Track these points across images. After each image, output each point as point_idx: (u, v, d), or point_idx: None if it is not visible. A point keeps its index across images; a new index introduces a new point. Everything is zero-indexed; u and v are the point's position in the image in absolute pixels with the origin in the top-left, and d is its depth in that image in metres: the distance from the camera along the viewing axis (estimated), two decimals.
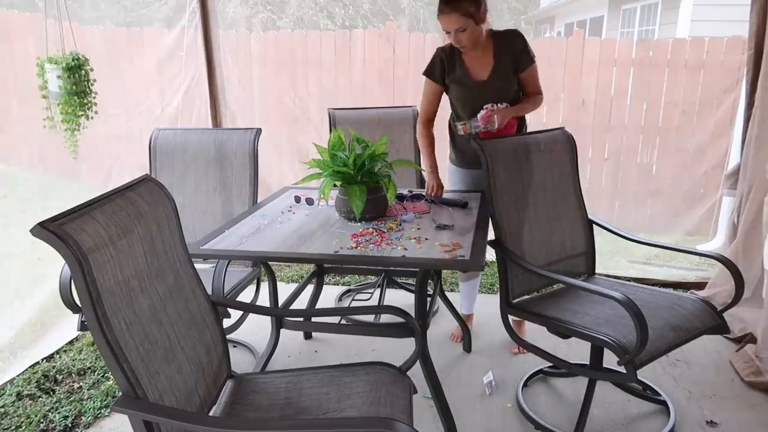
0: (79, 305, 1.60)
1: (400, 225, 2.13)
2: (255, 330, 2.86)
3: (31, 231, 1.14)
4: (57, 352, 2.74)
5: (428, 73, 2.51)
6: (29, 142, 4.08)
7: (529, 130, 2.55)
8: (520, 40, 2.37)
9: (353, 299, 3.31)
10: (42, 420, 2.25)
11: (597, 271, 2.45)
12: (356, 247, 1.88)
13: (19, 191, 3.18)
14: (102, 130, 3.80)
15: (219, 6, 3.69)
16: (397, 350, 2.58)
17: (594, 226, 2.43)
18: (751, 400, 2.34)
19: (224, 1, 3.78)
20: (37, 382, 2.48)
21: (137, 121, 3.94)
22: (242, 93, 3.89)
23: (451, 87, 2.50)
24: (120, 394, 1.27)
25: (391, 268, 2.94)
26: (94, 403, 2.35)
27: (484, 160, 2.09)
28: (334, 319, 2.56)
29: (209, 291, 1.70)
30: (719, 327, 2.05)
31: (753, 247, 2.89)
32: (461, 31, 2.25)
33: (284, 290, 2.65)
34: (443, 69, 2.47)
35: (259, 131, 2.68)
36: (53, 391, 2.45)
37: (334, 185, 2.15)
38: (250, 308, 1.87)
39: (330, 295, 3.27)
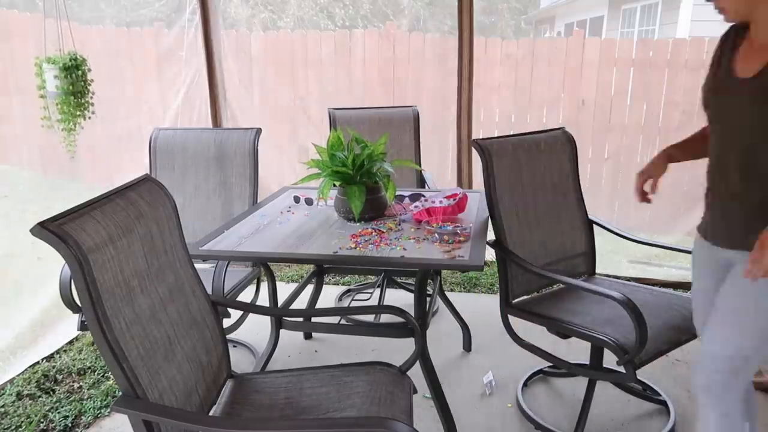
0: (79, 305, 1.60)
1: (399, 225, 2.13)
2: (255, 330, 2.86)
3: (31, 231, 1.14)
4: (57, 351, 2.74)
5: None
6: (29, 142, 4.08)
7: (528, 130, 2.55)
8: None
9: (353, 299, 3.31)
10: (42, 420, 2.25)
11: (597, 271, 2.45)
12: (355, 248, 1.88)
13: (19, 191, 3.18)
14: (102, 130, 3.81)
15: (219, 6, 3.70)
16: (397, 350, 2.58)
17: (594, 226, 2.44)
18: None
19: (224, 1, 3.78)
20: (37, 381, 2.48)
21: (137, 120, 3.94)
22: (242, 93, 3.89)
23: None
24: (120, 393, 1.27)
25: (391, 268, 2.94)
26: (94, 402, 2.35)
27: (484, 160, 2.10)
28: (334, 319, 2.57)
29: (209, 291, 1.70)
30: None
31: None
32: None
33: (284, 290, 2.66)
34: (714, 63, 1.69)
35: (259, 131, 2.68)
36: (53, 390, 2.45)
37: (333, 185, 2.15)
38: (250, 308, 1.87)
39: (330, 295, 3.27)
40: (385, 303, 2.92)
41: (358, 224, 2.16)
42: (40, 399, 2.39)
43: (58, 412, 2.30)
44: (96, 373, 2.57)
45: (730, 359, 1.45)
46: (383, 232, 2.04)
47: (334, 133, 2.22)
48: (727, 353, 1.45)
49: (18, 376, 2.54)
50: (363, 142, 2.18)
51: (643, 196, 1.86)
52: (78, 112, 2.75)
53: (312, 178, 2.20)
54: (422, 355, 2.02)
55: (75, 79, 2.69)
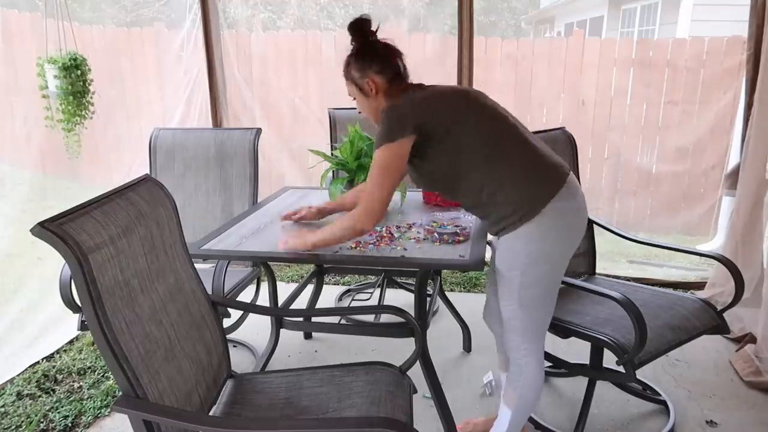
0: (79, 305, 1.60)
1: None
2: (255, 330, 2.86)
3: (31, 231, 1.14)
4: (57, 351, 2.74)
5: None
6: (29, 141, 4.08)
7: (529, 129, 2.54)
8: (381, 120, 1.69)
9: (353, 299, 3.31)
10: (42, 420, 2.25)
11: (597, 271, 2.45)
12: (355, 247, 1.88)
13: (19, 191, 3.18)
14: (102, 130, 3.80)
15: (219, 6, 3.70)
16: (397, 350, 2.58)
17: (594, 225, 2.44)
18: (751, 400, 2.35)
19: (224, 1, 3.78)
20: (37, 381, 2.49)
21: (138, 120, 3.94)
22: (242, 93, 3.89)
23: None
24: (120, 393, 1.27)
25: (391, 268, 2.94)
26: (94, 402, 2.35)
27: None
28: (334, 319, 2.57)
29: (209, 291, 1.70)
30: (719, 327, 2.05)
31: (752, 246, 2.89)
32: (353, 98, 1.84)
33: (284, 290, 2.66)
34: None
35: (259, 131, 2.68)
36: (53, 390, 2.45)
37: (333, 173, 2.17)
38: (250, 308, 1.87)
39: (330, 295, 3.27)
40: (385, 303, 2.92)
41: None
42: (40, 399, 2.39)
43: (58, 412, 2.30)
44: (96, 373, 2.57)
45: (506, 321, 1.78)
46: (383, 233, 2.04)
47: (353, 128, 2.21)
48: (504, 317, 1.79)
49: (18, 376, 2.54)
50: (368, 139, 2.18)
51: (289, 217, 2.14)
52: (79, 112, 2.75)
53: (334, 165, 2.21)
54: (422, 355, 2.02)
55: (75, 78, 2.69)
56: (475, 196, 1.69)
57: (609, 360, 1.98)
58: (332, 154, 2.34)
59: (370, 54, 1.74)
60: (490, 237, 1.99)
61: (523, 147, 1.69)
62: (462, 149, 1.65)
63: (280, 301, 2.51)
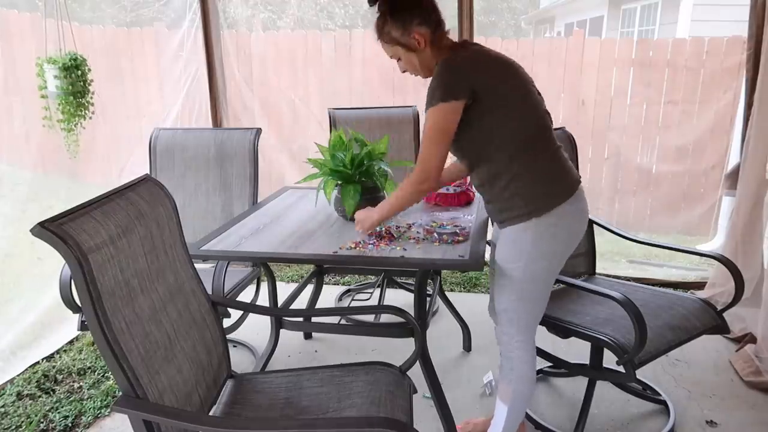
0: (79, 305, 1.60)
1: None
2: (255, 330, 2.86)
3: (31, 231, 1.14)
4: (57, 351, 2.74)
5: None
6: (29, 142, 4.08)
7: None
8: (435, 77, 1.65)
9: (353, 299, 3.31)
10: (42, 420, 2.25)
11: (597, 271, 2.45)
12: (355, 248, 1.88)
13: (19, 191, 3.18)
14: (102, 130, 3.81)
15: (219, 6, 3.70)
16: (397, 350, 2.58)
17: (594, 225, 2.44)
18: (751, 400, 2.35)
19: (224, 1, 3.78)
20: (37, 381, 2.49)
21: (138, 120, 3.94)
22: (242, 93, 3.89)
23: None
24: (120, 393, 1.27)
25: (391, 268, 2.93)
26: (94, 402, 2.35)
27: None
28: (334, 319, 2.57)
29: (209, 291, 1.70)
30: (719, 327, 2.05)
31: (752, 246, 2.89)
32: (397, 59, 1.77)
33: (284, 290, 2.66)
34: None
35: (259, 131, 2.68)
36: (53, 390, 2.45)
37: (337, 184, 2.15)
38: (250, 308, 1.87)
39: (330, 294, 3.27)
40: (385, 303, 2.92)
41: None
42: (40, 399, 2.39)
43: (58, 412, 2.30)
44: (96, 373, 2.57)
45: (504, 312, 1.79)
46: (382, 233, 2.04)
47: (336, 133, 2.22)
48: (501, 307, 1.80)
49: (18, 376, 2.54)
50: (362, 142, 2.18)
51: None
52: (78, 112, 2.75)
53: (312, 178, 2.20)
54: (422, 355, 2.02)
55: (75, 79, 2.69)
56: (491, 179, 1.70)
57: (609, 360, 1.98)
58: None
59: (408, 6, 1.68)
60: (489, 233, 1.99)
61: (551, 149, 1.74)
62: (498, 130, 1.65)
63: (280, 301, 2.51)
